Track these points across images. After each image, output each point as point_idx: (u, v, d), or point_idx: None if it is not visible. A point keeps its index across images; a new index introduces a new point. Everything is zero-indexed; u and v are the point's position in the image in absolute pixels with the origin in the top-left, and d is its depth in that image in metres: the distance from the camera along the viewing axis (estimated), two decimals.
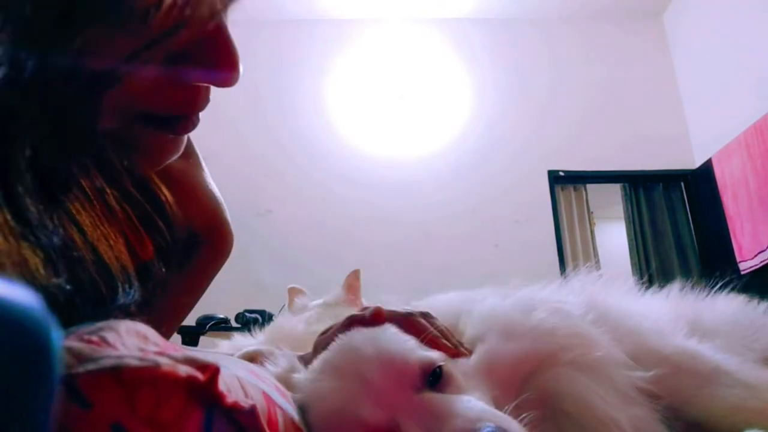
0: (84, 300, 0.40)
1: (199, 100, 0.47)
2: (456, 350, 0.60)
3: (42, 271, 0.34)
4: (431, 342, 0.59)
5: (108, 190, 0.47)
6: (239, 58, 0.45)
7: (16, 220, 0.33)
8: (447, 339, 0.62)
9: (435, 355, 0.55)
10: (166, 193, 0.55)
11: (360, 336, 0.58)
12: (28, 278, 0.33)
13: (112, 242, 0.45)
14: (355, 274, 1.63)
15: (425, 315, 0.64)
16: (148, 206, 0.53)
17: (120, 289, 0.44)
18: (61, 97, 0.37)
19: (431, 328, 0.61)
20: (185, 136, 0.50)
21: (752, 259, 3.85)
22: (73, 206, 0.42)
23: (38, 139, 0.36)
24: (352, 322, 0.61)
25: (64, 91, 0.37)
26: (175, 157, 0.51)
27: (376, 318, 0.60)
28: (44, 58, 0.34)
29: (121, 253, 0.46)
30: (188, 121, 0.48)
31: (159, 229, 0.54)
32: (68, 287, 0.36)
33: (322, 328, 1.47)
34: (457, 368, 0.56)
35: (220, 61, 0.44)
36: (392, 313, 0.62)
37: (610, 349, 0.61)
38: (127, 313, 0.45)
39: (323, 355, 0.58)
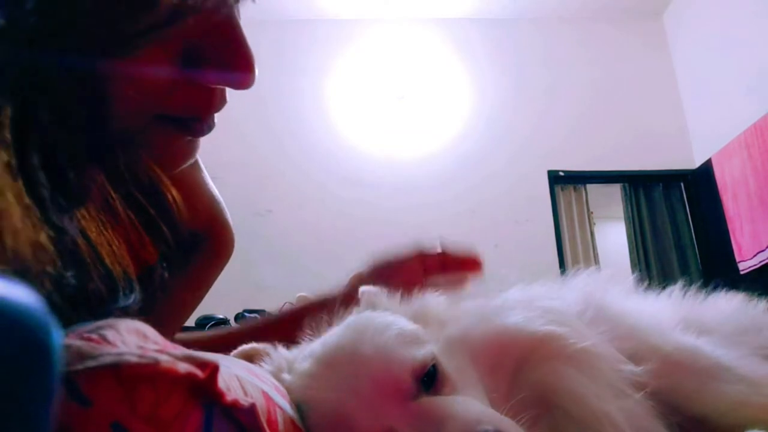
0: (84, 304, 0.40)
1: (215, 102, 0.47)
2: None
3: (55, 259, 0.34)
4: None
5: (114, 195, 0.48)
6: (254, 59, 0.45)
7: (31, 197, 0.33)
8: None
9: (428, 353, 0.54)
10: (175, 195, 0.55)
11: (348, 339, 0.56)
12: (41, 265, 0.33)
13: (115, 248, 0.45)
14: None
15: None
16: (152, 211, 0.53)
17: (121, 294, 0.44)
18: (73, 94, 0.37)
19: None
20: (200, 140, 0.51)
21: (751, 259, 3.86)
22: (77, 211, 0.42)
23: (50, 142, 0.36)
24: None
25: (75, 88, 0.37)
26: (190, 162, 0.51)
27: None
28: (53, 57, 0.34)
29: (123, 259, 0.46)
30: (204, 123, 0.48)
31: (163, 234, 0.54)
32: (74, 282, 0.36)
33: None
34: (450, 363, 0.56)
35: (235, 62, 0.44)
36: None
37: (598, 343, 0.61)
38: (127, 315, 0.45)
39: (310, 354, 0.56)
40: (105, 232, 0.45)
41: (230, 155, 4.02)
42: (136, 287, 0.47)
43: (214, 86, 0.46)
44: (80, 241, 0.41)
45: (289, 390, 0.53)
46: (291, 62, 4.56)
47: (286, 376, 0.56)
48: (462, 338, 0.59)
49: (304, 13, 4.66)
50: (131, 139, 0.44)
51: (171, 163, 0.51)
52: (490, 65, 4.74)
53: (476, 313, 0.63)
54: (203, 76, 0.44)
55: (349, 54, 4.69)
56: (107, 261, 0.43)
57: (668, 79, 4.77)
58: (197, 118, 0.47)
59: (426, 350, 0.54)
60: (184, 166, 0.51)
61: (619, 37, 4.84)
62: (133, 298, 0.46)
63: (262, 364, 0.59)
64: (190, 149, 0.50)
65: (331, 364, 0.54)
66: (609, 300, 0.73)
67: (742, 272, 3.90)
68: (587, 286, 0.75)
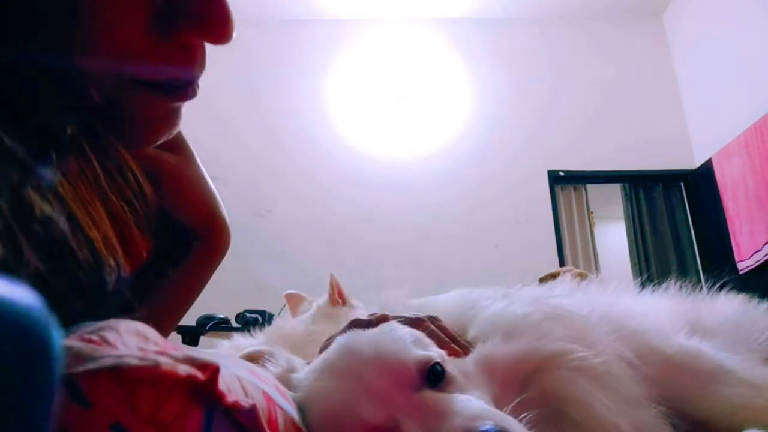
0: (70, 282, 0.39)
1: (196, 61, 0.46)
2: (465, 352, 0.61)
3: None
4: (441, 347, 0.59)
5: (101, 174, 0.46)
6: (231, 12, 0.44)
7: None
8: (455, 342, 0.62)
9: (434, 354, 0.55)
10: (144, 183, 0.54)
11: (358, 336, 0.58)
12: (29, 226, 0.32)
13: (97, 218, 0.44)
14: (330, 281, 1.63)
15: (433, 319, 0.65)
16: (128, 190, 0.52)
17: (106, 270, 0.43)
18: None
19: (441, 334, 0.62)
20: (182, 109, 0.49)
21: (749, 258, 3.86)
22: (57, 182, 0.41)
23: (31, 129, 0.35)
24: (354, 326, 0.62)
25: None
26: (174, 131, 0.50)
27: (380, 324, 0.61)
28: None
29: (107, 233, 0.44)
30: (188, 87, 0.47)
31: (138, 214, 0.53)
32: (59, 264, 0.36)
33: (318, 329, 1.47)
34: (457, 367, 0.56)
35: (210, 14, 0.43)
36: (399, 319, 0.62)
37: (612, 351, 0.61)
38: (123, 309, 0.44)
39: (323, 356, 0.58)
40: (88, 203, 0.44)
41: (230, 155, 4.02)
42: (122, 262, 0.45)
43: (190, 42, 0.45)
44: (59, 211, 0.40)
45: (298, 386, 0.55)
46: (291, 62, 4.56)
47: (297, 375, 0.57)
48: (478, 354, 0.61)
49: (304, 13, 4.66)
50: (113, 109, 0.43)
51: (154, 132, 0.49)
52: (490, 65, 4.74)
53: (493, 323, 0.63)
54: (178, 32, 0.43)
55: (349, 54, 4.69)
56: (90, 234, 0.42)
57: (668, 79, 4.77)
58: (179, 83, 0.46)
59: (435, 351, 0.55)
60: (169, 136, 0.50)
61: (619, 37, 4.84)
62: (122, 284, 0.45)
63: (267, 364, 0.60)
64: (173, 117, 0.49)
65: (340, 357, 0.56)
66: (612, 303, 0.73)
67: (741, 272, 3.90)
68: (591, 288, 0.76)
